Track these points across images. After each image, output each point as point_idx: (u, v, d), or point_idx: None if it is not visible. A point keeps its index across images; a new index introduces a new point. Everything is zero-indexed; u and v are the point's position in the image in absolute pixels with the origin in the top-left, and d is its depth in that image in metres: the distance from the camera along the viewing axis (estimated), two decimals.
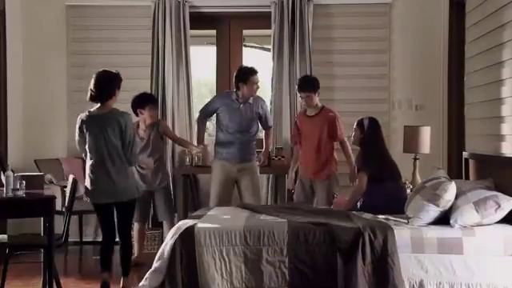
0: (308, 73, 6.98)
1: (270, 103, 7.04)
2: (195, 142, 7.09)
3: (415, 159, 6.28)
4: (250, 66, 6.14)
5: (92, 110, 5.09)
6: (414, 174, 6.25)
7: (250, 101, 6.06)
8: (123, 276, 5.22)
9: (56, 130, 7.38)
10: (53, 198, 4.79)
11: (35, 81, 7.36)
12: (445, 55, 6.92)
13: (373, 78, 7.22)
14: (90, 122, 5.02)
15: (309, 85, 6.03)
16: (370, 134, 5.40)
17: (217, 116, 6.12)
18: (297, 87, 6.19)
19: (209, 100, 6.31)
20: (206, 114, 6.25)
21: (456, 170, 6.44)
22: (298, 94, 6.18)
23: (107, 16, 7.37)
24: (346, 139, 6.04)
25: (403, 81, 7.23)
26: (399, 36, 7.22)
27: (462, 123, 6.49)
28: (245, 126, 6.04)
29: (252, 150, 6.16)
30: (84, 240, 7.29)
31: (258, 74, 6.04)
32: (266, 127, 6.33)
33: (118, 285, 5.24)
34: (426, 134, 6.26)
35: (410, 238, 4.33)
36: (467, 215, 4.46)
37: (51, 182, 6.72)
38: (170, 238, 4.40)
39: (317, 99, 6.07)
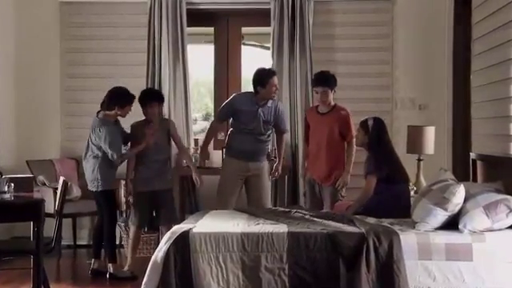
0: (308, 71, 6.87)
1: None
2: (192, 143, 7.05)
3: (419, 160, 6.18)
4: (267, 67, 6.01)
5: (100, 113, 5.84)
6: (417, 175, 6.15)
7: (269, 104, 5.89)
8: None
9: (49, 130, 7.25)
10: (41, 202, 4.59)
11: (28, 79, 7.21)
12: (449, 53, 6.76)
13: (375, 76, 7.11)
14: (93, 122, 5.83)
15: (326, 80, 5.89)
16: (376, 135, 5.24)
17: (234, 115, 5.94)
18: (312, 82, 6.09)
19: (226, 101, 6.02)
20: (224, 114, 5.99)
21: (461, 171, 6.26)
22: (314, 89, 6.06)
23: (102, 13, 7.25)
24: (354, 141, 5.86)
25: (406, 79, 7.09)
26: (402, 33, 7.09)
27: (468, 123, 6.35)
28: (262, 130, 5.89)
29: (264, 152, 6.04)
30: (78, 243, 7.14)
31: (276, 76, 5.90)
32: (280, 131, 6.11)
33: None
34: (430, 134, 6.15)
35: (417, 244, 4.17)
36: (477, 220, 4.30)
37: (44, 184, 6.63)
38: (163, 243, 4.24)
39: (331, 97, 5.92)
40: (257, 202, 5.89)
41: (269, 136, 6.03)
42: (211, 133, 6.12)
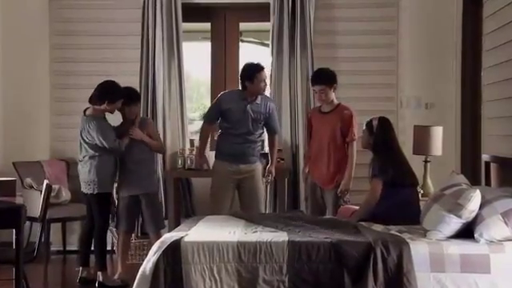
0: (309, 69, 6.72)
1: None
2: (187, 143, 6.83)
3: (426, 162, 6.00)
4: (255, 62, 5.85)
5: (88, 110, 5.65)
6: (424, 177, 5.96)
7: (258, 101, 5.75)
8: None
9: (38, 130, 7.03)
10: (21, 207, 4.29)
11: (15, 76, 6.95)
12: (458, 48, 6.50)
13: (379, 74, 6.94)
14: (81, 121, 5.62)
15: (323, 77, 5.74)
16: (381, 136, 5.02)
17: (222, 115, 5.81)
18: (310, 80, 5.99)
19: (213, 101, 5.97)
20: (213, 115, 5.88)
21: (471, 174, 6.00)
22: (312, 88, 5.97)
23: (93, 7, 7.08)
24: (354, 143, 5.68)
25: (412, 77, 6.87)
26: (408, 29, 6.88)
27: (477, 122, 6.11)
28: (251, 128, 5.73)
29: (256, 152, 5.85)
30: (67, 249, 6.92)
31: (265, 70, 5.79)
32: (271, 132, 5.96)
33: None
34: (437, 134, 5.98)
35: (429, 254, 3.90)
36: (495, 228, 4.01)
37: (31, 187, 6.31)
38: (152, 253, 3.98)
39: (333, 95, 5.78)
40: (249, 205, 5.74)
41: (259, 136, 5.86)
42: (204, 136, 5.95)
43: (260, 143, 5.90)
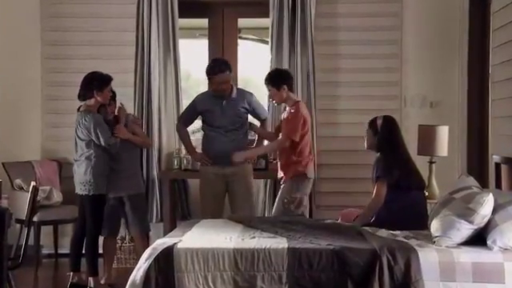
0: (310, 66, 6.58)
1: (268, 100, 6.53)
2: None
3: (431, 163, 5.89)
4: (221, 60, 5.82)
5: (81, 106, 5.54)
6: (429, 179, 5.84)
7: (234, 95, 5.64)
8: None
9: (29, 129, 6.91)
10: (5, 211, 4.10)
11: (5, 74, 6.80)
12: (464, 45, 6.40)
13: (382, 71, 6.79)
14: (76, 117, 5.49)
15: (268, 78, 5.62)
16: (386, 135, 4.86)
17: (202, 118, 5.74)
18: None
19: (190, 102, 5.88)
20: (188, 117, 5.84)
21: (478, 175, 5.84)
22: None
23: (86, 2, 6.94)
24: (283, 141, 5.50)
25: (416, 75, 6.77)
26: (412, 25, 6.77)
27: (485, 122, 6.01)
28: (230, 124, 5.60)
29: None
30: (59, 252, 6.72)
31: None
32: (260, 119, 5.88)
33: None
34: (442, 134, 5.91)
35: (439, 263, 3.75)
36: (509, 234, 3.84)
37: (21, 188, 6.29)
38: (143, 261, 3.82)
39: (285, 95, 5.57)
40: (240, 209, 5.62)
41: (243, 134, 5.70)
42: (183, 136, 5.90)
43: (246, 142, 5.76)
